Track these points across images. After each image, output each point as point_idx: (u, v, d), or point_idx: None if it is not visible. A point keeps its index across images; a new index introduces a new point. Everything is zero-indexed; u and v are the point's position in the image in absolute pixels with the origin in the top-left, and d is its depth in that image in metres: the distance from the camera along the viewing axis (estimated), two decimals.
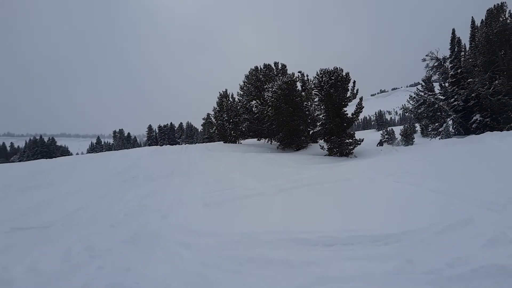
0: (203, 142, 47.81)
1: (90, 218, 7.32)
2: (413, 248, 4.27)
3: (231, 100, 31.26)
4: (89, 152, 79.91)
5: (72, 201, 9.04)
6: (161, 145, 42.01)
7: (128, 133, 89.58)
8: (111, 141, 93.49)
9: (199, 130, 79.27)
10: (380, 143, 33.96)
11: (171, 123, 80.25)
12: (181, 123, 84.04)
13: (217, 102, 31.50)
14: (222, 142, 30.58)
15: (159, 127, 78.07)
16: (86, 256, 4.91)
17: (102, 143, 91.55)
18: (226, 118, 30.16)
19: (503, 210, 5.01)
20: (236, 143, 30.10)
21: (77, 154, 76.63)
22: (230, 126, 30.07)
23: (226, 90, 31.44)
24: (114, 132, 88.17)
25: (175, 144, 52.53)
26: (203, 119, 61.35)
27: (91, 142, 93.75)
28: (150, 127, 78.16)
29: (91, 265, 4.61)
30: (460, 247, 4.04)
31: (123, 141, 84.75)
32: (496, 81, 21.00)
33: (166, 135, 76.32)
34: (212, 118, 33.34)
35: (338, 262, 4.13)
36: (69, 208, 8.19)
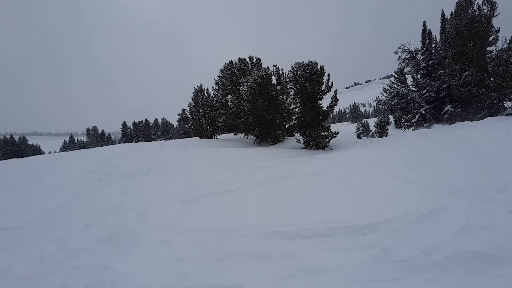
0: (179, 138, 47.38)
1: (64, 217, 7.12)
2: (389, 237, 4.33)
3: (206, 95, 30.99)
4: (62, 151, 77.96)
5: (45, 201, 8.77)
6: (136, 142, 41.43)
7: (102, 131, 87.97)
8: (84, 139, 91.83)
9: (175, 126, 78.62)
10: (359, 136, 34.41)
11: (146, 119, 79.29)
12: (156, 119, 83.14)
13: (192, 98, 31.17)
14: (198, 137, 30.30)
15: (134, 123, 77.01)
16: (62, 257, 4.76)
17: (75, 141, 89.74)
18: (202, 113, 29.93)
19: (474, 198, 5.14)
20: (212, 138, 29.93)
21: (50, 152, 74.77)
22: (206, 121, 29.87)
23: (201, 85, 31.14)
24: (88, 129, 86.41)
25: (151, 141, 51.92)
26: (179, 114, 60.70)
27: (64, 140, 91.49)
28: (124, 124, 76.99)
29: (67, 265, 4.47)
30: (434, 235, 4.12)
31: (97, 138, 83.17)
32: (466, 72, 21.52)
33: (141, 132, 75.35)
34: (188, 113, 32.96)
35: (316, 253, 4.15)
36: (42, 208, 7.95)
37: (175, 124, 76.42)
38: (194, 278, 3.87)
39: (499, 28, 22.14)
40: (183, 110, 35.57)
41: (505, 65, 20.87)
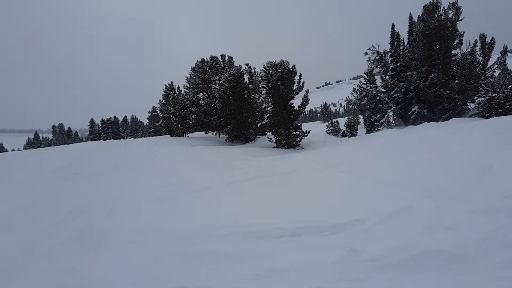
0: (149, 136, 46.65)
1: (29, 217, 6.86)
2: (358, 237, 4.41)
3: (177, 92, 30.62)
4: (26, 148, 75.45)
5: (8, 201, 8.41)
6: (104, 140, 40.54)
7: (69, 128, 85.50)
8: (50, 136, 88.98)
9: (145, 124, 77.35)
10: (343, 134, 34.93)
11: (114, 116, 77.79)
12: (125, 116, 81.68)
13: (163, 95, 30.70)
14: (168, 135, 29.91)
15: (102, 120, 75.40)
16: (26, 259, 4.61)
17: (41, 138, 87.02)
18: (173, 111, 29.55)
19: (439, 198, 5.29)
20: (183, 136, 29.59)
21: (13, 150, 72.15)
22: (177, 119, 29.50)
23: (172, 82, 30.71)
24: (54, 126, 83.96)
25: (120, 139, 51.00)
26: (149, 112, 59.93)
27: (28, 138, 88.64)
28: (92, 121, 75.27)
29: (31, 268, 4.33)
30: (401, 234, 4.23)
31: (63, 136, 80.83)
32: (432, 74, 22.21)
33: (109, 129, 73.88)
34: (158, 111, 32.47)
35: (287, 253, 4.18)
36: (5, 208, 7.64)
37: (145, 122, 75.23)
38: (163, 279, 3.83)
39: (464, 32, 23.01)
40: (153, 107, 35.09)
41: (469, 68, 21.67)
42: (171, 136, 29.36)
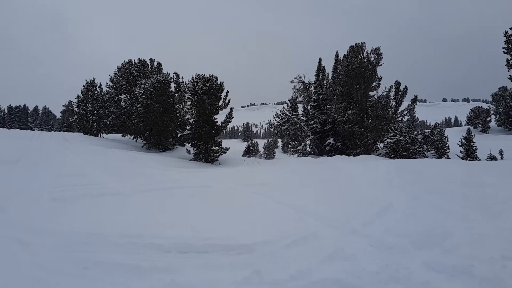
0: (60, 131, 43.73)
1: None
2: (263, 259, 4.46)
3: (98, 90, 29.28)
4: None
5: None
6: (8, 128, 37.23)
7: None
8: None
9: (58, 117, 72.40)
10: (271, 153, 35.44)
11: (24, 105, 71.79)
12: (36, 106, 75.79)
13: (82, 90, 29.13)
14: (82, 133, 28.37)
15: (10, 107, 69.11)
16: None
17: None
18: (90, 108, 28.18)
19: (343, 228, 5.56)
20: (98, 136, 28.34)
21: None
22: (94, 117, 28.17)
23: (94, 79, 29.35)
24: None
25: (27, 129, 47.13)
26: (64, 106, 56.31)
27: None
28: None
29: None
30: (304, 260, 4.35)
31: None
32: (350, 111, 23.73)
33: (16, 118, 67.92)
34: (74, 106, 30.65)
35: (190, 269, 4.09)
36: None
37: (58, 115, 70.43)
38: (50, 286, 3.55)
39: (382, 77, 25.12)
40: (70, 101, 33.06)
41: (382, 110, 23.55)
42: (84, 134, 27.89)
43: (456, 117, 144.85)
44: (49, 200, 6.93)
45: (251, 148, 42.23)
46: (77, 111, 29.81)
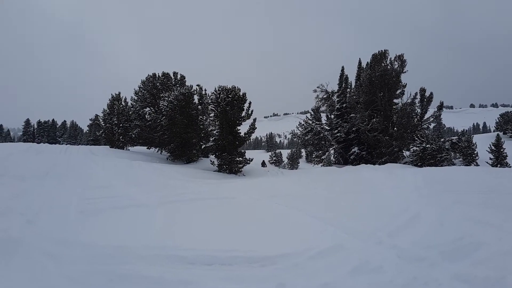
0: (87, 144, 44.76)
1: None
2: (287, 271, 4.37)
3: (123, 104, 29.85)
4: None
5: None
6: (38, 143, 38.31)
7: (1, 125, 79.59)
8: None
9: (85, 131, 74.15)
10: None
11: (53, 119, 73.83)
12: (64, 121, 77.73)
13: (108, 104, 29.79)
14: (108, 146, 28.93)
15: (39, 122, 71.20)
16: None
17: None
18: (116, 122, 28.71)
19: (368, 239, 5.42)
20: (123, 149, 28.79)
21: None
22: (120, 130, 28.67)
23: (119, 93, 29.96)
24: None
25: (56, 143, 48.39)
26: (91, 120, 57.65)
27: None
28: (28, 121, 70.79)
29: None
30: (329, 272, 4.24)
31: None
32: (374, 119, 23.39)
33: (45, 132, 69.91)
34: (101, 120, 31.32)
35: (214, 282, 4.04)
36: None
37: (85, 129, 72.12)
38: None
39: (406, 84, 24.70)
40: (96, 116, 33.79)
41: (407, 118, 23.12)
42: (111, 147, 28.41)
43: (484, 123, 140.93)
44: (76, 212, 7.02)
45: (274, 158, 42.18)
46: (103, 124, 30.45)
